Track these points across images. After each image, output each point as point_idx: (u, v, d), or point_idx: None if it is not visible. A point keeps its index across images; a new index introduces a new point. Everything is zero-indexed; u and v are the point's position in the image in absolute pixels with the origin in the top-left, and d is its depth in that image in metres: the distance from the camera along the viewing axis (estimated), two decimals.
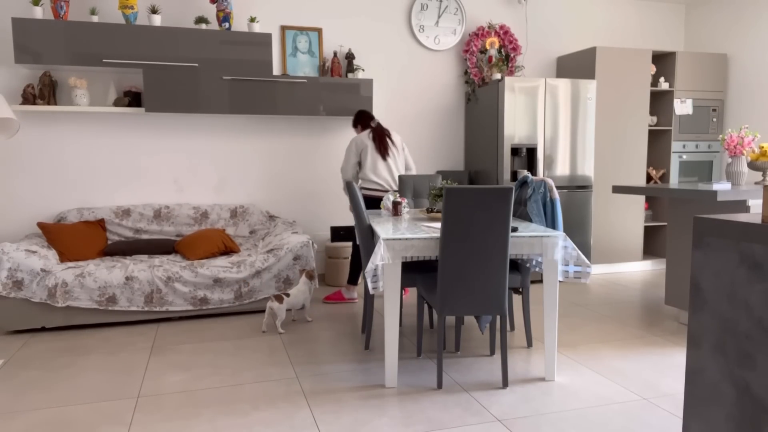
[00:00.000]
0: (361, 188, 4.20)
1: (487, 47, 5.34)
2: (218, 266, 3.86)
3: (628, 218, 5.39)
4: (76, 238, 4.06)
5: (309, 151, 5.02)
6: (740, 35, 5.52)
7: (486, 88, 5.04)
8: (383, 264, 2.66)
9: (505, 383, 2.74)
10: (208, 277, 3.82)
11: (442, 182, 4.27)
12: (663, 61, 5.61)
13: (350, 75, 4.89)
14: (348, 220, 5.19)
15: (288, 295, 3.61)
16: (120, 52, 4.20)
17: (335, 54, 4.90)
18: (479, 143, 5.17)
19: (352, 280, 4.28)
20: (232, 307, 3.92)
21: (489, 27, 5.35)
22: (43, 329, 3.72)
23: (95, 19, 4.25)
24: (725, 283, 1.50)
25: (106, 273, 3.68)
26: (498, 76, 5.17)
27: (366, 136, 4.17)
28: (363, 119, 4.27)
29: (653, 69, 5.46)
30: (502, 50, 5.42)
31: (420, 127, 5.33)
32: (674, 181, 5.59)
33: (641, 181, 5.40)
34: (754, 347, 1.43)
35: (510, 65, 5.43)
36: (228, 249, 4.22)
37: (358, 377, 2.87)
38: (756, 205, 3.16)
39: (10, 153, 4.35)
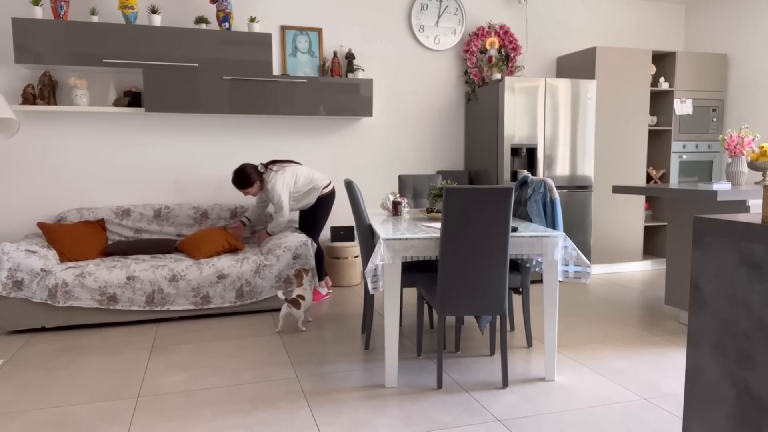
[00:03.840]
0: (323, 189, 4.36)
1: (487, 47, 5.34)
2: (223, 263, 3.87)
3: (628, 218, 5.39)
4: (76, 238, 4.06)
5: (309, 151, 5.02)
6: (740, 35, 5.52)
7: (486, 88, 5.04)
8: (383, 264, 2.66)
9: (505, 383, 2.74)
10: (213, 274, 3.82)
11: (442, 182, 4.28)
12: (663, 61, 5.61)
13: (350, 75, 4.89)
14: (348, 220, 5.19)
15: (303, 298, 3.64)
16: (120, 52, 4.20)
17: (335, 54, 4.90)
18: (479, 143, 5.17)
19: (319, 275, 4.48)
20: (233, 307, 3.92)
21: (489, 27, 5.35)
22: (43, 329, 3.72)
23: (95, 19, 4.25)
24: (725, 283, 1.50)
25: (107, 273, 3.68)
26: (498, 76, 5.17)
27: (279, 175, 4.16)
28: (254, 172, 4.15)
29: (653, 69, 5.46)
30: (502, 50, 5.42)
31: (420, 127, 5.33)
32: (674, 181, 5.59)
33: (641, 181, 5.40)
34: (754, 347, 1.43)
35: (510, 65, 5.43)
36: (233, 247, 4.23)
37: (358, 377, 2.87)
38: (756, 205, 3.16)
39: (10, 153, 4.35)
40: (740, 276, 1.46)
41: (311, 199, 4.34)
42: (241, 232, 4.48)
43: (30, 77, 4.32)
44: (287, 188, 4.18)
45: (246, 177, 4.10)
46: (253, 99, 4.51)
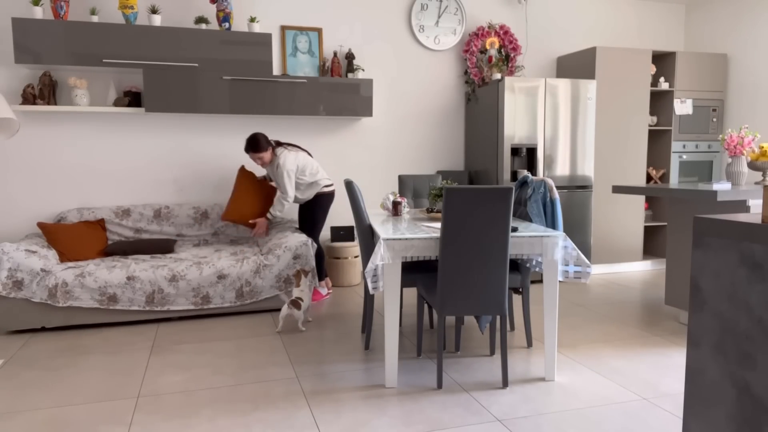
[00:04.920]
0: (324, 187, 4.37)
1: (487, 47, 5.34)
2: (223, 263, 3.87)
3: (628, 218, 5.39)
4: (76, 238, 4.06)
5: (309, 150, 5.01)
6: (740, 35, 5.52)
7: (486, 88, 5.04)
8: (383, 264, 2.66)
9: (505, 383, 2.74)
10: (213, 274, 3.82)
11: (442, 182, 4.28)
12: (663, 61, 5.61)
13: (350, 75, 4.89)
14: (348, 220, 5.19)
15: (302, 300, 3.64)
16: (120, 52, 4.20)
17: (335, 54, 4.90)
18: (479, 143, 5.17)
19: (319, 276, 4.48)
20: (233, 307, 3.92)
21: (489, 27, 5.35)
22: (43, 329, 3.72)
23: (95, 19, 4.25)
24: (725, 283, 1.50)
25: (107, 273, 3.68)
26: (498, 76, 5.17)
27: (292, 155, 4.21)
28: (266, 141, 4.15)
29: (653, 69, 5.46)
30: (502, 50, 5.42)
31: (420, 127, 5.33)
32: (674, 181, 5.59)
33: (641, 181, 5.40)
34: (754, 347, 1.43)
35: (510, 65, 5.43)
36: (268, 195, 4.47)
37: (358, 377, 2.87)
38: (756, 205, 3.16)
39: (10, 153, 4.35)
40: (740, 276, 1.46)
41: (310, 194, 4.34)
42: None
43: (30, 77, 4.32)
44: (296, 167, 4.20)
45: (257, 142, 4.12)
46: (253, 99, 4.51)
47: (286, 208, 4.24)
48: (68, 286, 3.59)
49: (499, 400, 2.59)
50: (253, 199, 4.37)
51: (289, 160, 4.16)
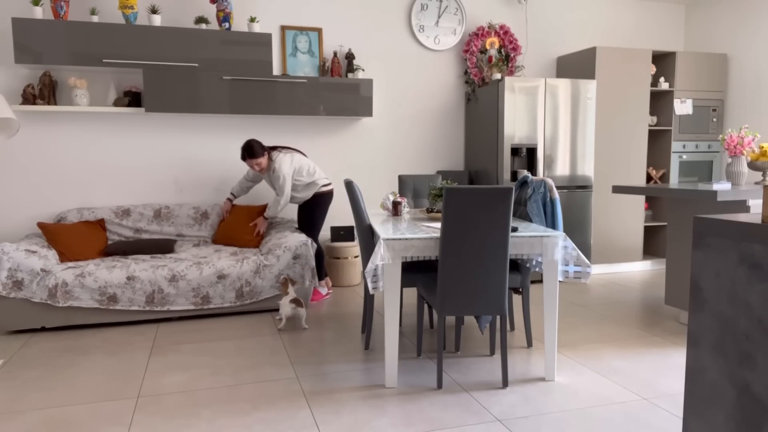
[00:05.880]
0: (323, 187, 4.39)
1: (487, 47, 5.34)
2: (223, 263, 3.87)
3: (628, 218, 5.39)
4: (76, 238, 4.06)
5: (309, 151, 5.02)
6: (740, 35, 5.52)
7: (486, 88, 5.04)
8: (383, 264, 2.66)
9: (505, 383, 2.74)
10: (213, 274, 3.82)
11: (442, 182, 4.27)
12: (663, 61, 5.61)
13: (350, 75, 4.89)
14: (348, 220, 5.19)
15: (302, 304, 3.66)
16: (120, 52, 4.20)
17: (335, 54, 4.90)
18: (479, 143, 5.17)
19: (319, 275, 4.48)
20: (233, 307, 3.92)
21: (489, 27, 5.35)
22: (43, 329, 3.72)
23: (95, 19, 4.25)
24: (725, 283, 1.50)
25: (107, 273, 3.68)
26: (498, 76, 5.17)
27: (288, 157, 4.25)
28: (260, 146, 4.15)
29: (653, 69, 5.46)
30: (502, 50, 5.42)
31: (420, 127, 5.33)
32: (674, 181, 5.59)
33: (641, 181, 5.40)
34: (754, 347, 1.43)
35: (510, 65, 5.43)
36: (261, 209, 4.53)
37: (358, 377, 2.87)
38: (756, 205, 3.16)
39: (10, 153, 4.35)
40: (740, 276, 1.46)
41: (308, 194, 4.35)
42: (230, 207, 4.57)
43: (30, 77, 4.32)
44: (293, 169, 4.24)
45: (252, 148, 4.13)
46: (253, 99, 4.51)
47: (281, 207, 4.25)
48: (68, 286, 3.59)
49: (499, 400, 2.59)
50: (240, 222, 4.50)
51: (285, 164, 4.18)
